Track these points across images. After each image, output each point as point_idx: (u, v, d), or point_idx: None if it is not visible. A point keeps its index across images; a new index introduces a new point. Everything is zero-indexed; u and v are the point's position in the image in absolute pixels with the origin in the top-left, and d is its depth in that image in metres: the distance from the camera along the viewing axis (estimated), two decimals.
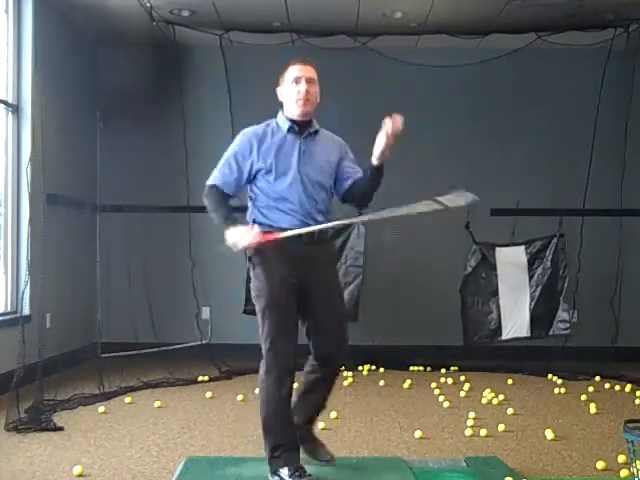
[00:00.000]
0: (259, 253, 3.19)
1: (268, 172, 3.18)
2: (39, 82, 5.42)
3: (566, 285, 6.50)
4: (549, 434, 4.11)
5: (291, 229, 3.09)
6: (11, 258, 5.53)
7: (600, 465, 3.49)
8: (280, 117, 3.26)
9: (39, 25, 5.60)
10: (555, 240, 6.57)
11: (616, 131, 6.58)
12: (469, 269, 6.62)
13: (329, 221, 3.23)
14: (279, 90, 3.26)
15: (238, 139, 3.29)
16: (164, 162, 6.87)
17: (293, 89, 3.17)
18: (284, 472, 3.06)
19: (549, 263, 6.55)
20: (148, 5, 5.99)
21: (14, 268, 5.55)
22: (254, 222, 3.24)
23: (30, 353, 4.63)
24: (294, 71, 3.18)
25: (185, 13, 6.23)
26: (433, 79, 6.77)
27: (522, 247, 6.61)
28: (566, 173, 6.82)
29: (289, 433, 3.13)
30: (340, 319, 3.28)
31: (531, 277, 6.56)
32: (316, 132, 3.26)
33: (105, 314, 5.97)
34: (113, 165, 6.36)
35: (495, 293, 6.57)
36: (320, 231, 3.16)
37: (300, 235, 3.07)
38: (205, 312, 6.94)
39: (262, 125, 3.29)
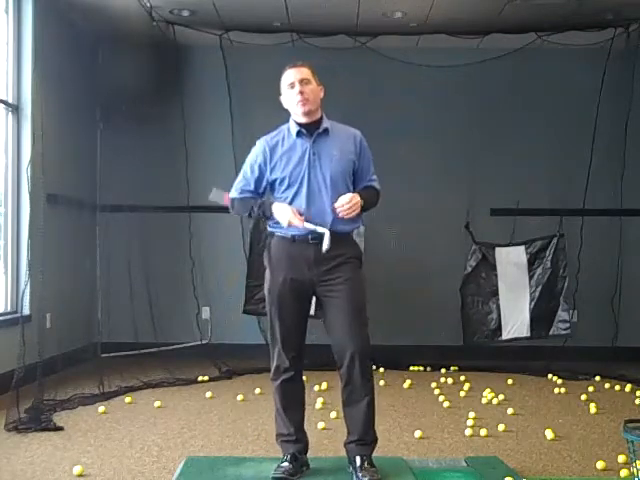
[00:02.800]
0: (267, 255, 3.29)
1: (281, 182, 3.23)
2: (39, 82, 5.41)
3: (566, 285, 6.50)
4: (549, 434, 4.11)
5: (303, 236, 3.16)
6: (11, 258, 5.53)
7: (600, 465, 3.49)
8: (290, 122, 3.29)
9: (39, 25, 5.59)
10: (555, 240, 6.57)
11: (616, 131, 6.58)
12: (469, 269, 6.62)
13: (349, 220, 3.19)
14: (281, 99, 3.29)
15: (253, 149, 3.33)
16: (164, 162, 6.87)
17: (290, 94, 3.22)
18: (282, 459, 3.27)
19: (549, 263, 6.54)
20: (148, 5, 5.99)
21: (14, 268, 5.54)
22: (271, 233, 3.31)
23: (30, 353, 4.62)
24: (287, 77, 3.23)
25: (185, 13, 6.23)
26: (433, 79, 6.76)
27: (522, 247, 6.60)
28: (566, 173, 6.81)
29: (285, 425, 3.29)
30: (351, 320, 3.18)
31: (531, 277, 6.56)
32: (326, 130, 3.25)
33: (105, 314, 5.97)
34: (113, 165, 6.36)
35: (495, 293, 6.57)
36: (329, 231, 3.15)
37: (308, 235, 3.14)
38: (205, 312, 6.94)
39: (276, 132, 3.32)
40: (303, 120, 3.23)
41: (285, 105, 3.29)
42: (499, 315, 6.54)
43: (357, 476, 3.16)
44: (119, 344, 6.16)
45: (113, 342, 6.14)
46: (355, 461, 3.21)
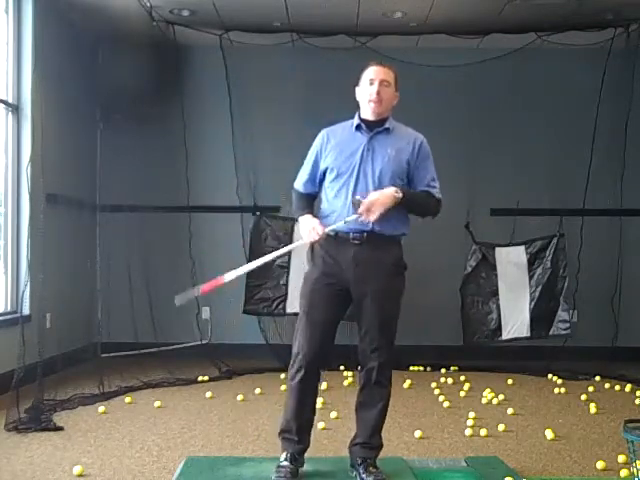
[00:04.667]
0: (310, 250, 3.27)
1: (331, 171, 3.23)
2: (39, 82, 5.41)
3: (566, 285, 6.49)
4: (549, 434, 4.11)
5: (344, 232, 3.14)
6: (11, 258, 5.53)
7: (600, 465, 3.49)
8: (355, 116, 3.29)
9: (39, 25, 5.59)
10: (555, 240, 6.56)
11: (616, 131, 6.58)
12: (469, 269, 6.62)
13: (395, 223, 3.18)
14: (357, 89, 3.30)
15: (317, 137, 3.35)
16: (164, 162, 6.88)
17: (366, 90, 3.22)
18: (282, 457, 3.23)
19: (549, 263, 6.54)
20: (148, 5, 5.99)
21: (14, 268, 5.55)
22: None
23: (30, 353, 4.62)
24: (370, 72, 3.23)
25: (185, 13, 6.23)
26: (433, 79, 6.76)
27: (522, 247, 6.60)
28: (566, 173, 6.81)
29: (293, 423, 3.23)
30: (378, 334, 3.19)
31: (531, 277, 6.56)
32: (387, 130, 3.24)
33: (105, 314, 5.96)
34: (113, 165, 6.36)
35: (495, 293, 6.57)
36: (372, 232, 3.13)
37: (350, 234, 3.13)
38: (205, 312, 6.94)
39: (340, 124, 3.34)
40: (368, 117, 3.23)
41: (357, 97, 3.29)
42: (499, 315, 6.54)
43: (361, 477, 3.15)
44: (119, 344, 6.16)
45: (113, 342, 6.13)
46: (359, 463, 3.20)
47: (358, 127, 3.24)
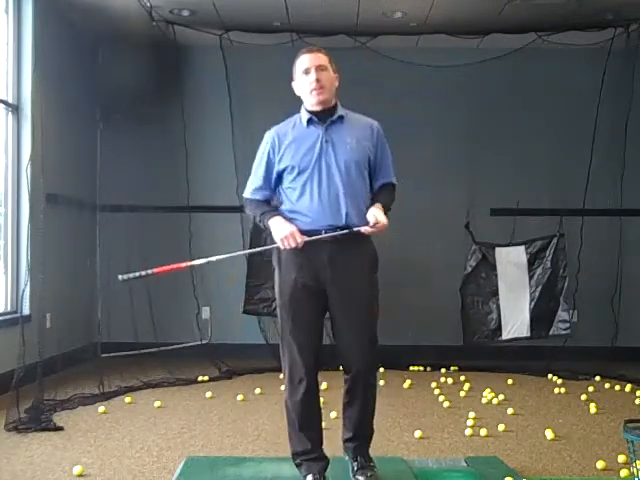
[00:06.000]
0: (277, 256, 3.10)
1: (291, 170, 3.05)
2: (39, 82, 5.42)
3: (566, 285, 6.49)
4: (549, 434, 4.11)
5: (315, 231, 2.98)
6: (11, 258, 5.53)
7: (600, 465, 3.49)
8: (302, 110, 3.12)
9: (39, 25, 5.59)
10: (555, 240, 6.56)
11: (616, 131, 6.58)
12: (469, 269, 6.62)
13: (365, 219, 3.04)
14: (293, 84, 3.15)
15: (263, 141, 3.17)
16: (164, 162, 6.88)
17: (305, 81, 3.04)
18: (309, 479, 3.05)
19: (549, 263, 6.54)
20: (148, 5, 5.99)
21: (14, 268, 5.55)
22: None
23: (30, 353, 4.62)
24: (302, 62, 3.06)
25: (185, 13, 6.23)
26: (433, 79, 6.77)
27: (522, 247, 6.60)
28: (566, 173, 6.82)
29: (306, 440, 3.07)
30: (360, 337, 3.04)
31: (531, 277, 6.56)
32: (341, 118, 3.09)
33: (105, 314, 5.96)
34: (113, 165, 6.35)
35: (495, 293, 6.57)
36: (346, 230, 2.97)
37: (322, 232, 2.97)
38: (205, 312, 6.94)
39: (286, 121, 3.17)
40: (316, 108, 3.06)
41: (297, 92, 3.12)
42: (499, 315, 6.54)
43: (353, 472, 3.09)
44: (119, 344, 6.15)
45: (113, 342, 6.12)
46: (352, 458, 3.14)
47: (310, 121, 3.06)
